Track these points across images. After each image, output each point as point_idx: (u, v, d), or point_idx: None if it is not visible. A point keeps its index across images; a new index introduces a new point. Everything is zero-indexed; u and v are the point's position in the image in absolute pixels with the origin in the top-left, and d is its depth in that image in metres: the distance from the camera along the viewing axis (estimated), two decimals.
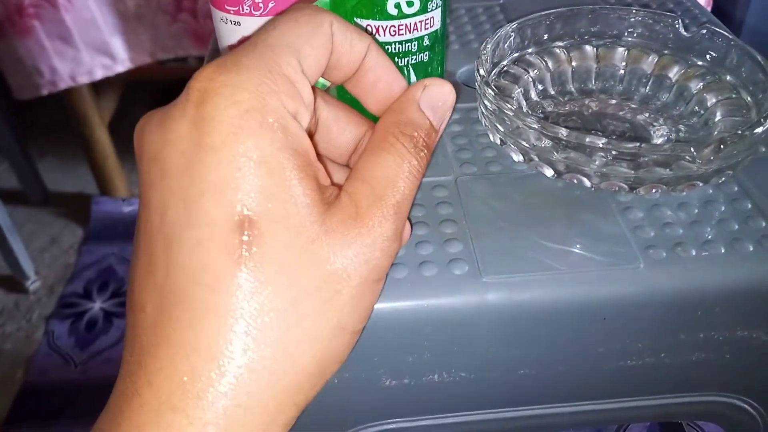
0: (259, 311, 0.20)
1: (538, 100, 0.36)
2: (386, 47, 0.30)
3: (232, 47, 0.32)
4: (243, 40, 0.31)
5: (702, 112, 0.34)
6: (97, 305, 1.10)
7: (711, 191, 0.31)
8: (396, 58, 0.31)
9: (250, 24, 0.31)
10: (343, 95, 0.29)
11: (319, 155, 0.24)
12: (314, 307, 0.21)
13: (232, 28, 0.31)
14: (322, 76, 0.25)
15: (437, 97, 0.27)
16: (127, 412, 0.20)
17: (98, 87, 1.19)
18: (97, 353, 1.03)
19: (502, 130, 0.31)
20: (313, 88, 0.24)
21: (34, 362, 1.02)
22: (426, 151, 0.25)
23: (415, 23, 0.30)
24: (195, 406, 0.20)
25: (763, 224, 0.29)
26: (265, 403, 0.21)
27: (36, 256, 1.20)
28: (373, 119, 0.28)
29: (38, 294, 1.14)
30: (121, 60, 1.11)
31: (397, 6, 0.29)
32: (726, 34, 0.34)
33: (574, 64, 0.37)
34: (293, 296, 0.21)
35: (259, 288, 0.20)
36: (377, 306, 0.27)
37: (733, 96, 0.33)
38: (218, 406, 0.20)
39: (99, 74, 1.10)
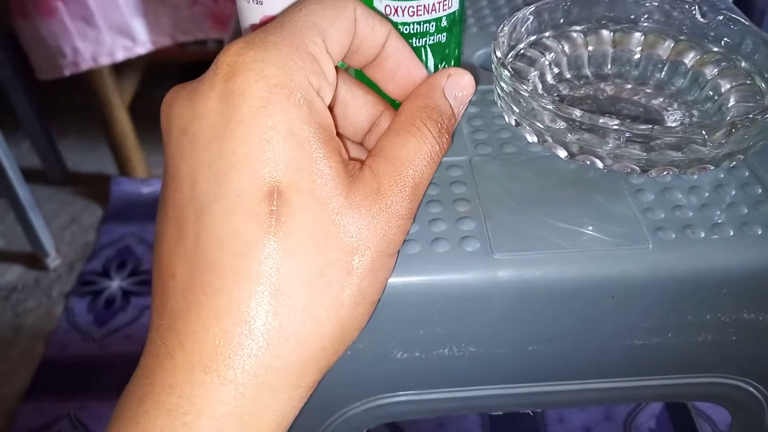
0: (287, 278, 0.21)
1: (554, 83, 0.36)
2: (404, 27, 0.31)
3: (254, 26, 0.33)
4: (264, 19, 0.32)
5: (716, 97, 0.34)
6: (115, 283, 1.12)
7: (722, 175, 0.32)
8: (413, 38, 0.31)
9: (272, 3, 0.31)
10: (360, 76, 0.30)
11: (337, 132, 0.25)
12: (338, 276, 0.22)
13: (254, 6, 0.32)
14: (343, 61, 0.26)
15: (459, 86, 0.28)
16: (160, 373, 0.21)
17: (119, 69, 1.21)
18: (114, 330, 1.05)
19: (518, 111, 0.32)
20: (336, 67, 0.25)
21: (54, 338, 1.04)
22: (447, 137, 0.27)
23: (434, 4, 0.30)
24: (226, 366, 0.21)
25: None
26: (292, 366, 0.22)
27: (56, 234, 1.22)
28: (389, 101, 0.29)
29: (58, 271, 1.16)
30: (141, 42, 1.12)
31: None
32: (742, 20, 0.35)
33: (590, 48, 0.37)
34: (320, 265, 0.22)
35: (288, 256, 0.21)
36: (391, 280, 0.27)
37: (748, 82, 0.34)
38: (248, 368, 0.21)
39: (120, 56, 1.11)
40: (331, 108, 0.28)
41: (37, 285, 1.14)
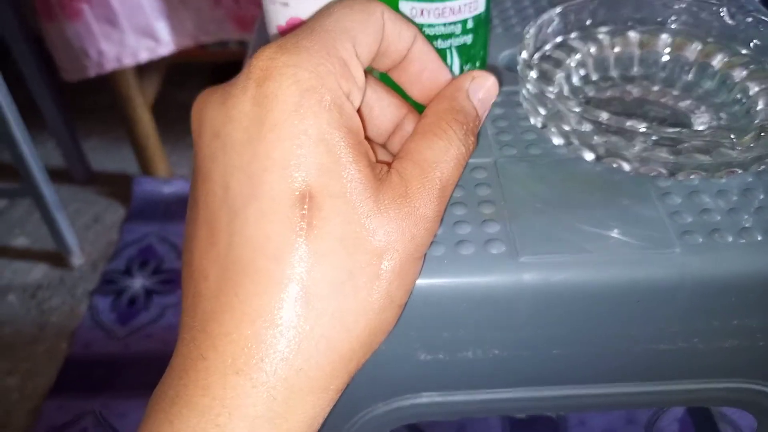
0: (318, 281, 0.22)
1: (580, 85, 0.36)
2: (430, 29, 0.31)
3: (280, 28, 0.33)
4: (291, 21, 0.32)
5: (744, 100, 0.34)
6: (138, 282, 1.14)
7: (750, 179, 0.31)
8: (440, 40, 0.31)
9: (298, 5, 0.32)
10: (384, 78, 0.30)
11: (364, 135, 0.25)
12: (367, 280, 0.23)
13: (280, 8, 0.32)
14: (370, 64, 0.26)
15: (483, 88, 0.28)
16: (193, 375, 0.22)
17: (142, 70, 1.22)
18: (137, 329, 1.06)
19: (544, 113, 0.32)
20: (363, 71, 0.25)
21: (78, 336, 1.05)
22: (473, 138, 0.27)
23: (460, 6, 0.30)
24: (258, 369, 0.21)
25: None
26: (322, 369, 0.22)
27: (80, 233, 1.24)
28: (413, 104, 0.29)
29: (82, 270, 1.18)
30: (164, 43, 1.13)
31: None
32: None
33: (616, 50, 0.37)
34: (349, 268, 0.22)
35: (319, 259, 0.22)
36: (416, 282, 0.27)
37: None
38: (280, 371, 0.21)
39: (143, 57, 1.13)
40: (357, 111, 0.28)
41: (62, 283, 1.16)
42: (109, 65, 1.11)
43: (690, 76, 0.36)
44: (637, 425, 0.88)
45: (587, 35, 0.37)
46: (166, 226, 1.25)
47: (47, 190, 1.10)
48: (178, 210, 1.28)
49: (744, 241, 0.28)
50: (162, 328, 1.06)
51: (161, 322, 1.07)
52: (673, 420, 0.88)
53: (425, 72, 0.28)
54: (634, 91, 0.36)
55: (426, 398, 0.33)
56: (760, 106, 0.33)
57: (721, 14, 0.36)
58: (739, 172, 0.30)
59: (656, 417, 0.88)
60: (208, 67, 1.57)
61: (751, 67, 0.34)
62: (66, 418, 0.94)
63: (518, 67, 0.32)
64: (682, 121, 0.34)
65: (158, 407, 0.22)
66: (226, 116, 0.22)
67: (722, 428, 0.74)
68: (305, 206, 0.21)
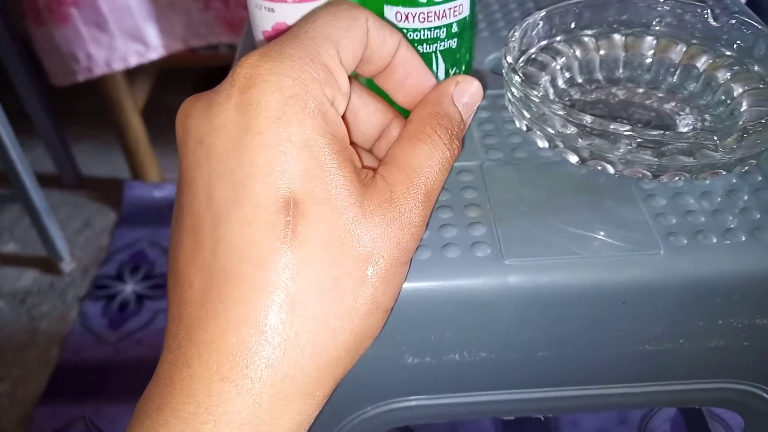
0: (303, 288, 0.22)
1: (565, 87, 0.36)
2: (414, 33, 0.31)
3: (266, 33, 0.33)
4: (276, 26, 0.32)
5: (729, 102, 0.34)
6: (129, 287, 1.13)
7: (734, 180, 0.31)
8: (424, 44, 0.31)
9: (283, 10, 0.32)
10: (369, 84, 0.30)
11: (349, 141, 0.25)
12: (353, 285, 0.23)
13: (266, 14, 0.32)
14: (354, 70, 0.26)
15: (468, 93, 0.28)
16: (178, 383, 0.22)
17: (132, 74, 1.22)
18: (129, 334, 1.05)
19: (528, 116, 0.32)
20: (348, 77, 0.25)
21: (69, 341, 1.05)
22: (458, 143, 0.27)
23: (444, 10, 0.31)
24: (243, 376, 0.21)
25: None
26: (308, 374, 0.22)
27: (71, 239, 1.23)
28: (399, 109, 0.29)
29: (73, 275, 1.17)
30: (154, 47, 1.13)
31: None
32: (755, 24, 0.34)
33: (602, 52, 0.37)
34: (334, 274, 0.22)
35: (304, 266, 0.22)
36: None
37: (761, 86, 0.33)
38: (265, 377, 0.21)
39: (133, 61, 1.12)
40: (342, 116, 0.28)
41: (52, 289, 1.15)
42: (99, 70, 1.11)
43: (674, 78, 0.36)
44: (629, 425, 0.88)
45: (572, 38, 0.37)
46: (157, 230, 1.25)
47: (37, 195, 1.09)
48: (169, 214, 1.26)
49: (728, 242, 0.29)
50: (153, 333, 1.05)
51: (152, 327, 1.06)
52: (665, 420, 0.88)
53: (410, 78, 0.28)
54: (620, 93, 0.36)
55: (414, 402, 0.33)
56: (744, 107, 0.33)
57: (705, 16, 0.36)
58: (723, 173, 0.30)
59: (648, 417, 0.88)
60: (198, 71, 1.56)
61: (735, 68, 0.35)
62: (57, 425, 0.94)
63: (503, 71, 0.33)
64: (666, 123, 0.34)
65: (144, 415, 0.22)
66: (209, 124, 0.22)
67: (713, 427, 0.74)
68: (290, 213, 0.21)
